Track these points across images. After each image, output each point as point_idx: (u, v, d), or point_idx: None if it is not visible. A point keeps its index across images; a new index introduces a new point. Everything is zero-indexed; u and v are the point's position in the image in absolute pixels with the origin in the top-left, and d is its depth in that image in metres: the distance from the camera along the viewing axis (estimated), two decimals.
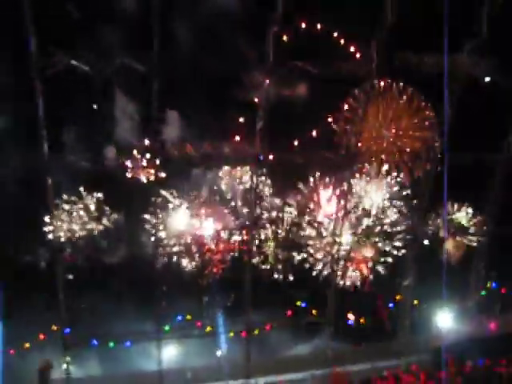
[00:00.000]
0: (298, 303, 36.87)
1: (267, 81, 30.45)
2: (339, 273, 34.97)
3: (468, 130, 30.85)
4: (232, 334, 34.97)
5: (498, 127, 33.46)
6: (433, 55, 30.47)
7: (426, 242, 35.69)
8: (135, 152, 31.36)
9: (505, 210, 35.45)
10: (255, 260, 34.63)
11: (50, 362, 30.21)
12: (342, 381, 17.46)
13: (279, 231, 35.47)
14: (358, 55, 30.76)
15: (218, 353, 34.98)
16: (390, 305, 36.46)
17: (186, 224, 33.69)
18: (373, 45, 30.58)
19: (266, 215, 35.34)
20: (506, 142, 34.90)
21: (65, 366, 31.48)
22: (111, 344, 32.90)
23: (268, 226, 35.33)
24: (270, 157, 32.94)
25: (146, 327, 33.66)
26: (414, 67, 30.91)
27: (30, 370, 30.18)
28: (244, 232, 34.46)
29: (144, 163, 31.71)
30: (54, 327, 32.41)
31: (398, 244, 35.04)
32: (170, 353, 34.82)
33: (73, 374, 32.02)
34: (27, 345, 31.91)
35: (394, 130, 32.36)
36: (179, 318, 35.22)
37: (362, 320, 35.65)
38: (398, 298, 36.58)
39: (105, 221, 33.15)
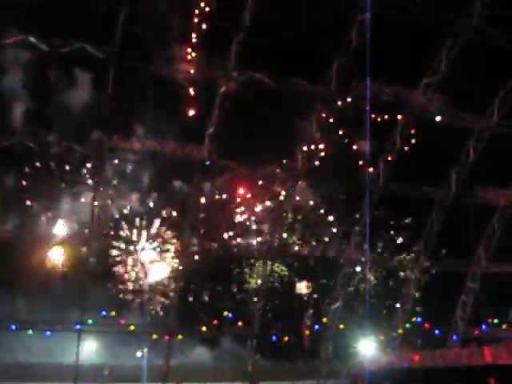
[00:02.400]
0: (225, 313, 36.80)
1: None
2: None
3: (413, 163, 31.54)
4: (155, 337, 34.52)
5: (442, 164, 34.25)
6: (392, 86, 31.04)
7: (357, 269, 36.13)
8: None
9: (439, 246, 36.14)
10: None
11: None
12: None
13: None
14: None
15: (139, 353, 34.45)
16: (316, 326, 36.62)
17: None
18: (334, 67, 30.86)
19: None
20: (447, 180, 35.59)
21: None
22: (29, 331, 32.07)
23: None
24: None
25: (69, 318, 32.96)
26: (373, 94, 31.23)
27: None
28: None
29: None
30: None
31: None
32: (90, 347, 34.10)
33: None
34: None
35: None
36: (104, 313, 34.62)
37: (285, 338, 35.69)
38: (324, 320, 36.75)
39: None
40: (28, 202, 34.72)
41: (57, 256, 33.36)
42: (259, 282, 35.99)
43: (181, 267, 34.64)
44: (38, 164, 34.28)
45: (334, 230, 37.67)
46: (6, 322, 31.28)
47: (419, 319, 38.55)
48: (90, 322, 32.89)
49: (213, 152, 31.59)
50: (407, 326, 37.89)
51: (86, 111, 33.46)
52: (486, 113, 34.53)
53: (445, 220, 35.59)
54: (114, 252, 35.94)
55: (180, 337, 34.51)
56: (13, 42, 26.50)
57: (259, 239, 36.57)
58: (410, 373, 31.42)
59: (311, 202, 37.38)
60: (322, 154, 34.57)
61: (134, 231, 35.95)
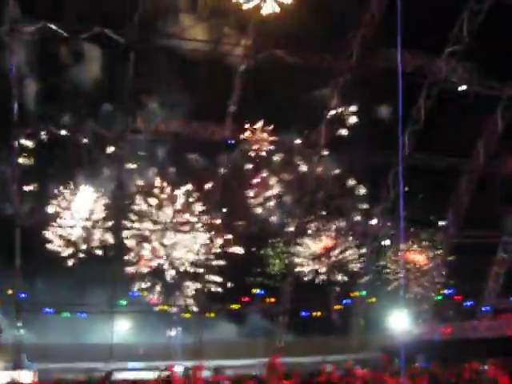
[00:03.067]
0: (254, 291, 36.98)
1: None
2: None
3: (438, 135, 31.12)
4: (188, 315, 34.98)
5: (469, 134, 33.71)
6: (414, 55, 30.56)
7: (387, 242, 35.97)
8: None
9: (468, 219, 35.77)
10: None
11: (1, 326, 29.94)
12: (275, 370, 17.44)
13: None
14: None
15: (172, 333, 34.95)
16: (346, 301, 36.64)
17: None
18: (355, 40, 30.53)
19: None
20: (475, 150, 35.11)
21: (16, 330, 31.09)
22: (66, 314, 32.76)
23: None
24: None
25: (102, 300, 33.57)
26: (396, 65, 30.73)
27: None
28: None
29: None
30: (10, 291, 32.13)
31: None
32: (124, 327, 34.70)
33: (24, 340, 31.59)
34: None
35: None
36: (136, 293, 35.12)
37: (316, 313, 35.81)
38: (354, 294, 36.75)
39: None
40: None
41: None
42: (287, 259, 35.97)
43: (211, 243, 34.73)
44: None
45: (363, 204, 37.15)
46: (41, 305, 32.07)
47: (450, 291, 38.30)
48: (123, 302, 33.63)
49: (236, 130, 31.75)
50: (438, 298, 37.74)
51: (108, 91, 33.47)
52: None
53: (474, 191, 35.17)
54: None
55: (212, 314, 34.96)
56: (32, 30, 26.69)
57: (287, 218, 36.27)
58: (442, 345, 31.40)
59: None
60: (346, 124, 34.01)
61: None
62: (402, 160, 30.24)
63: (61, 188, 32.57)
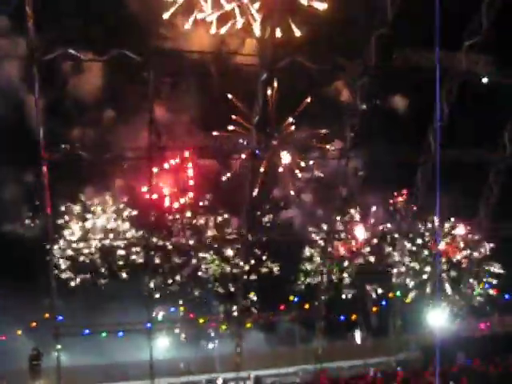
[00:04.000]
0: (291, 298, 36.97)
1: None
2: None
3: (463, 129, 30.87)
4: (224, 328, 35.05)
5: (495, 127, 33.41)
6: (431, 52, 30.35)
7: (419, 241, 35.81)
8: None
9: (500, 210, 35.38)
10: None
11: (40, 351, 30.13)
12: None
13: None
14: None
15: (210, 345, 35.04)
16: (383, 302, 36.50)
17: None
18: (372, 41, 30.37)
19: None
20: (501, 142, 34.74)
21: (55, 354, 31.31)
22: (103, 334, 32.94)
23: None
24: None
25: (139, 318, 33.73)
26: (414, 64, 30.60)
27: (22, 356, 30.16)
28: None
29: None
30: (47, 315, 32.41)
31: None
32: (163, 343, 34.83)
33: (64, 363, 31.83)
34: (19, 332, 32.04)
35: None
36: (172, 309, 35.31)
37: (353, 316, 35.68)
38: (390, 295, 36.58)
39: None
40: None
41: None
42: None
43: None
44: None
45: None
46: (79, 327, 32.35)
47: (487, 286, 37.95)
48: (159, 318, 33.81)
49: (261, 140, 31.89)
50: (475, 293, 37.40)
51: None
52: None
53: (503, 183, 34.83)
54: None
55: (249, 325, 34.99)
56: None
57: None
58: (482, 341, 31.09)
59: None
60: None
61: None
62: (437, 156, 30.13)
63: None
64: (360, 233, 37.01)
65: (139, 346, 33.64)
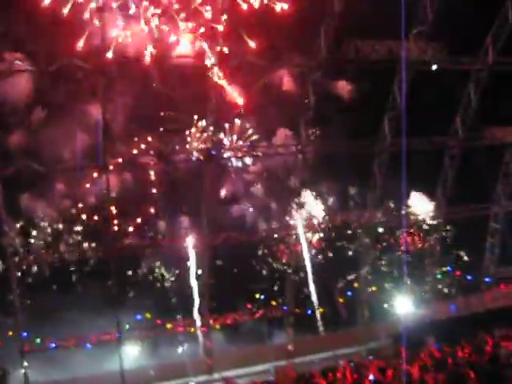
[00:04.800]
0: (257, 296, 36.91)
1: None
2: None
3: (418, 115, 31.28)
4: (192, 330, 34.83)
5: (447, 111, 34.02)
6: (383, 42, 30.76)
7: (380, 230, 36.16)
8: None
9: (455, 193, 36.03)
10: None
11: (7, 369, 29.53)
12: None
13: None
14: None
15: (179, 349, 34.77)
16: (348, 293, 36.78)
17: None
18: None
19: None
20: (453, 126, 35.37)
21: (22, 371, 30.69)
22: (70, 347, 32.43)
23: None
24: None
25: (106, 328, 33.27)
26: (366, 55, 30.94)
27: None
28: None
29: None
30: (10, 333, 31.74)
31: None
32: (132, 352, 34.42)
33: (31, 379, 31.18)
34: None
35: None
36: (138, 317, 34.91)
37: (320, 309, 35.80)
38: (355, 285, 36.89)
39: None
40: None
41: None
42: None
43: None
44: None
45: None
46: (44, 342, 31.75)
47: (449, 268, 38.60)
48: (126, 326, 33.39)
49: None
50: (438, 276, 37.99)
51: None
52: (481, 52, 34.20)
53: (458, 166, 35.49)
54: None
55: (217, 326, 34.86)
56: None
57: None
58: (449, 323, 31.58)
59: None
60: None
61: None
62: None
63: None
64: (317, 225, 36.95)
65: (105, 358, 33.31)
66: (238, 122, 34.51)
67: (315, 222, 36.20)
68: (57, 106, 31.95)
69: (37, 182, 33.05)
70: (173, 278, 36.48)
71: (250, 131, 34.89)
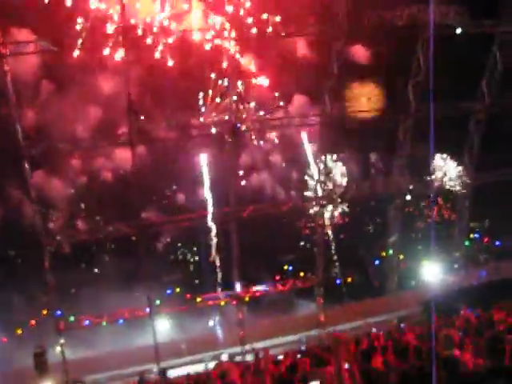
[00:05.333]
0: (286, 267, 37.11)
1: None
2: None
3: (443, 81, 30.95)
4: (223, 304, 35.14)
5: (472, 76, 33.62)
6: (405, 7, 30.39)
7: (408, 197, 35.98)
8: None
9: (483, 160, 35.71)
10: None
11: (44, 347, 30.01)
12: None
13: None
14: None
15: (211, 322, 35.12)
16: (377, 261, 36.85)
17: None
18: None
19: None
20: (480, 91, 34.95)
21: (59, 348, 31.23)
22: (104, 323, 32.90)
23: None
24: None
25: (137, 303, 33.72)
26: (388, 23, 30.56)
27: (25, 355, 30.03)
28: None
29: None
30: (45, 311, 32.29)
31: None
32: (163, 326, 34.87)
33: (68, 356, 31.75)
34: (19, 331, 31.88)
35: None
36: (168, 291, 35.30)
37: (349, 279, 35.95)
38: (384, 254, 36.90)
39: None
40: None
41: None
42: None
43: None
44: None
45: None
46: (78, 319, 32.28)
47: (476, 235, 38.49)
48: (157, 302, 33.81)
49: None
50: (466, 243, 37.87)
51: None
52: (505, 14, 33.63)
53: (485, 132, 35.16)
54: None
55: (247, 298, 35.10)
56: None
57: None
58: (480, 289, 31.54)
59: None
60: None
61: None
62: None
63: None
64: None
65: (137, 333, 33.81)
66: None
67: (341, 190, 36.00)
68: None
69: (57, 160, 33.41)
70: (200, 253, 36.68)
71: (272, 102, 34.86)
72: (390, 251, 36.29)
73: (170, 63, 30.83)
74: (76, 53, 28.83)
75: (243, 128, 33.28)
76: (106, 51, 29.63)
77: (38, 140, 31.11)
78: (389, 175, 36.12)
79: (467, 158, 36.04)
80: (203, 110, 33.84)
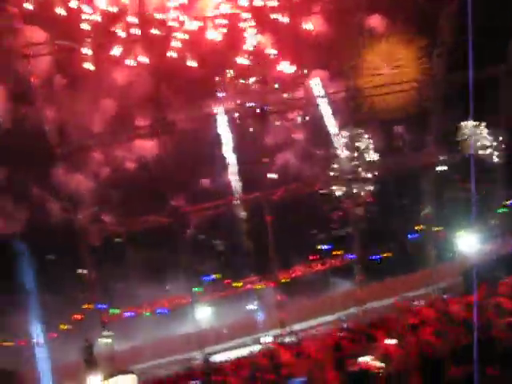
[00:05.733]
0: (320, 247, 37.04)
1: None
2: None
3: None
4: (261, 287, 35.35)
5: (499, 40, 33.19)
6: None
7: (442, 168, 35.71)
8: None
9: None
10: None
11: (91, 340, 30.55)
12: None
13: None
14: None
15: (250, 306, 35.36)
16: (412, 236, 36.62)
17: None
18: None
19: None
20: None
21: (106, 341, 31.81)
22: (147, 314, 33.38)
23: None
24: None
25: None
26: None
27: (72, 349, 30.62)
28: None
29: None
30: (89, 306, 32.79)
31: None
32: (205, 313, 35.19)
33: (115, 347, 32.33)
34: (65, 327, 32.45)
35: None
36: (206, 278, 35.55)
37: (386, 254, 35.84)
38: (418, 227, 36.66)
39: None
40: None
41: None
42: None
43: None
44: None
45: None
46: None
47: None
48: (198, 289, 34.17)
49: None
50: (500, 211, 37.45)
51: None
52: None
53: None
54: None
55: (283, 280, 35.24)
56: None
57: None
58: None
59: None
60: None
61: None
62: None
63: None
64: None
65: (178, 321, 34.21)
66: None
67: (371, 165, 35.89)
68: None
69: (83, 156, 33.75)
70: (233, 238, 36.83)
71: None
72: (426, 224, 36.09)
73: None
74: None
75: (267, 109, 33.34)
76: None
77: (65, 137, 31.54)
78: (420, 148, 35.85)
79: (502, 125, 35.55)
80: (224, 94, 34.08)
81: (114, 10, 32.18)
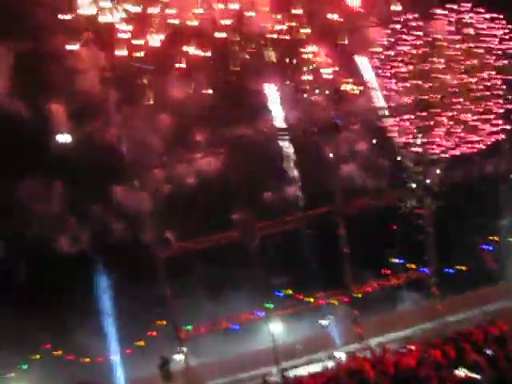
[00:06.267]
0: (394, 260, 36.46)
1: None
2: None
3: None
4: (334, 302, 35.01)
5: None
6: None
7: None
8: None
9: None
10: None
11: (167, 357, 30.82)
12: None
13: None
14: None
15: (323, 322, 35.03)
16: (490, 247, 35.72)
17: None
18: None
19: None
20: None
21: (181, 357, 32.01)
22: (220, 330, 33.42)
23: None
24: None
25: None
26: None
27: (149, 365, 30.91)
28: None
29: None
30: (164, 322, 33.06)
31: None
32: (278, 328, 35.02)
33: (191, 363, 32.48)
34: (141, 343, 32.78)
35: None
36: (280, 294, 35.41)
37: (463, 267, 35.05)
38: (494, 239, 35.73)
39: None
40: None
41: None
42: None
43: None
44: None
45: None
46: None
47: None
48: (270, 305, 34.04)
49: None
50: None
51: None
52: None
53: None
54: None
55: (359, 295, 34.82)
56: None
57: None
58: None
59: None
60: None
61: None
62: None
63: None
64: None
65: (252, 337, 34.12)
66: None
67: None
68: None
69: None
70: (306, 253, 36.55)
71: None
72: (502, 235, 35.18)
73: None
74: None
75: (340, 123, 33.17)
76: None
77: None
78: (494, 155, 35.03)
79: None
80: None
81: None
